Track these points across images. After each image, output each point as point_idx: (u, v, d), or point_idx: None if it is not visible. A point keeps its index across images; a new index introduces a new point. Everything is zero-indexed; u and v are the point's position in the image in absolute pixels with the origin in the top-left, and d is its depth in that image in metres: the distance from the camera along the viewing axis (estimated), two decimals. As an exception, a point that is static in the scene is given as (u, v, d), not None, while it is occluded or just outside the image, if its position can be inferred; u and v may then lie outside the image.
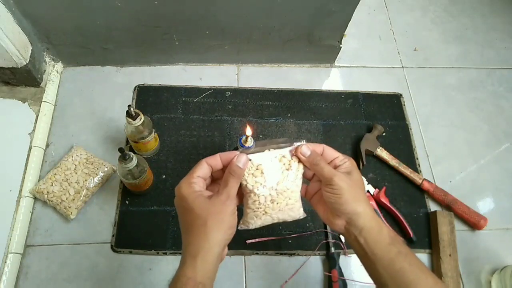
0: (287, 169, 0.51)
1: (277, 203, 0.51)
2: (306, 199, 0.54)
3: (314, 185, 0.53)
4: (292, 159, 0.51)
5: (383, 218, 0.80)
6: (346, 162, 0.51)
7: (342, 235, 0.51)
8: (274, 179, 0.50)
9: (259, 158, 0.50)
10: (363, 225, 0.48)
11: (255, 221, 0.52)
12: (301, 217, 0.53)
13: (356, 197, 0.48)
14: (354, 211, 0.48)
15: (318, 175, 0.50)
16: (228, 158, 0.48)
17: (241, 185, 0.49)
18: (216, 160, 0.49)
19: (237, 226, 0.51)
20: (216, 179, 0.52)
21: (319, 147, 0.52)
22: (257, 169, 0.50)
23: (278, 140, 0.52)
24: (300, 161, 0.51)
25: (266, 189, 0.50)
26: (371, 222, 0.48)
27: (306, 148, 0.50)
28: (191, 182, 0.48)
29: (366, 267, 0.50)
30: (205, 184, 0.50)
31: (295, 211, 0.53)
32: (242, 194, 0.51)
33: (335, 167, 0.51)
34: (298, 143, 0.51)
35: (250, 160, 0.49)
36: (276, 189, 0.50)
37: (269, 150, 0.51)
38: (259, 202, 0.50)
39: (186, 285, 0.44)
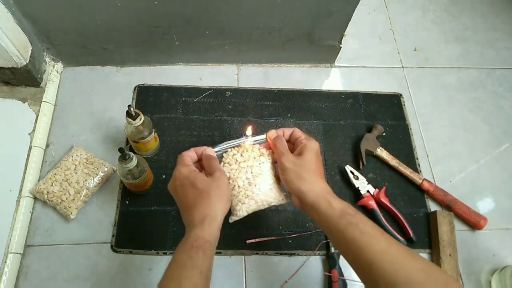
0: (260, 156, 0.59)
1: (255, 185, 0.57)
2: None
3: None
4: (264, 145, 0.60)
5: (383, 218, 0.80)
6: (302, 143, 0.57)
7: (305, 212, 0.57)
8: (247, 165, 0.58)
9: (232, 148, 0.59)
10: (312, 202, 0.52)
11: (241, 207, 0.57)
12: (283, 201, 0.60)
13: (300, 176, 0.54)
14: (298, 189, 0.53)
15: None
16: (201, 149, 0.59)
17: None
18: (192, 153, 0.59)
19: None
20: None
21: (290, 130, 0.60)
22: (232, 157, 0.59)
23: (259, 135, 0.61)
24: (270, 148, 0.60)
25: (242, 174, 0.58)
26: (318, 199, 0.52)
27: (274, 131, 0.59)
28: (188, 165, 0.56)
29: (330, 240, 0.58)
30: None
31: (276, 192, 0.59)
32: None
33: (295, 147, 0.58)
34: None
35: (214, 150, 0.59)
36: (251, 172, 0.58)
37: (244, 141, 0.60)
38: (238, 186, 0.57)
39: (196, 240, 0.49)
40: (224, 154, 0.59)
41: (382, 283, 0.45)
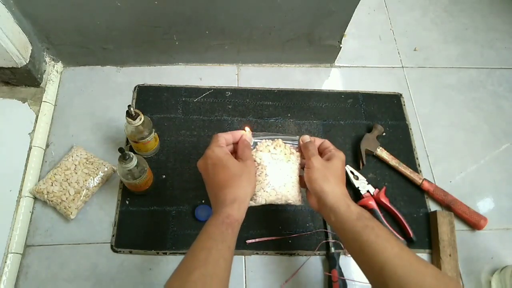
0: (290, 154, 0.64)
1: (280, 178, 0.61)
2: (303, 186, 0.63)
3: None
4: (295, 147, 0.65)
5: (383, 219, 0.80)
6: (331, 152, 0.62)
7: (321, 214, 0.60)
8: (278, 158, 0.62)
9: (268, 141, 0.64)
10: (331, 204, 0.55)
11: (261, 194, 0.60)
12: (298, 203, 0.64)
13: (325, 177, 0.57)
14: (321, 189, 0.56)
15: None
16: (239, 134, 0.62)
17: None
18: (228, 136, 0.61)
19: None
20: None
21: (321, 140, 0.64)
22: (265, 147, 0.63)
23: (289, 136, 0.66)
24: (300, 150, 0.64)
25: (271, 164, 0.62)
26: (338, 201, 0.55)
27: (307, 136, 0.64)
28: (222, 147, 0.59)
29: (342, 242, 0.58)
30: None
31: (296, 192, 0.63)
32: None
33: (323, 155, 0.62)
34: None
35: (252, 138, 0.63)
36: (280, 166, 0.62)
37: (279, 137, 0.65)
38: (266, 173, 0.61)
39: (228, 218, 0.53)
40: (259, 143, 0.64)
41: (393, 285, 0.46)
